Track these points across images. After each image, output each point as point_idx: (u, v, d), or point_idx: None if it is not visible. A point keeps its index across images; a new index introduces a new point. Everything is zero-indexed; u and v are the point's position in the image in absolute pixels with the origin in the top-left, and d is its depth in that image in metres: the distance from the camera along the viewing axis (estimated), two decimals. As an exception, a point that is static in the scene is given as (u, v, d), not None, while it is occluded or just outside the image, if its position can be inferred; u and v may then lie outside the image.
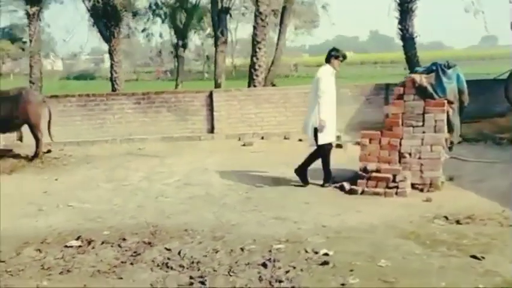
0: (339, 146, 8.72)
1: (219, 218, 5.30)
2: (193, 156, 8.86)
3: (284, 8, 14.96)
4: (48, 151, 9.69)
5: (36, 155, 9.02)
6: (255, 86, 12.08)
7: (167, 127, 10.68)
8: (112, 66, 15.41)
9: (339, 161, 6.97)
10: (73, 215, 5.57)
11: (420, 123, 6.16)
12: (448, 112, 6.12)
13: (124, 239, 4.68)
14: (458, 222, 4.94)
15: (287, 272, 3.85)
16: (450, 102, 6.12)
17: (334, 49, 6.55)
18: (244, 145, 9.94)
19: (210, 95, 10.70)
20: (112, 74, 15.39)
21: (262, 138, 10.70)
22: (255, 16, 11.91)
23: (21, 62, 51.48)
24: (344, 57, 6.57)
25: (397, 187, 5.97)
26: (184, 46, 19.89)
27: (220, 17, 16.57)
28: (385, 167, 6.13)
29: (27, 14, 14.88)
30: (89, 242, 4.64)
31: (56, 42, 42.88)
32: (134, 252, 4.36)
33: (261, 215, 5.35)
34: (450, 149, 6.36)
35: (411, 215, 5.19)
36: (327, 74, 6.43)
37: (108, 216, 5.48)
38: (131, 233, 4.88)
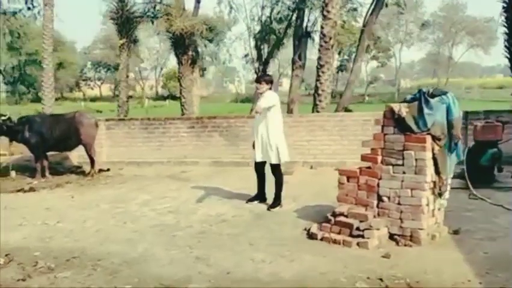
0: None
1: (147, 251, 5.08)
2: (222, 182, 8.73)
3: (362, 31, 13.91)
4: (108, 169, 10.51)
5: (89, 173, 9.87)
6: (318, 111, 11.43)
7: (218, 151, 10.74)
8: (180, 91, 16.05)
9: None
10: (35, 233, 5.88)
11: (401, 162, 5.13)
12: (433, 150, 4.99)
13: (36, 263, 4.79)
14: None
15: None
16: (436, 139, 4.98)
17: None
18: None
19: (261, 121, 10.43)
20: (181, 99, 16.02)
21: (311, 167, 10.10)
22: (320, 39, 11.32)
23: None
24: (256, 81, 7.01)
25: (363, 236, 5.04)
26: (265, 71, 19.88)
27: (300, 41, 16.11)
28: (353, 211, 5.24)
29: (119, 45, 16.55)
30: (9, 261, 4.88)
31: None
32: (23, 277, 4.43)
33: (188, 253, 4.99)
34: (440, 195, 5.15)
35: (343, 272, 4.32)
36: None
37: (59, 237, 5.67)
38: (53, 256, 4.97)
